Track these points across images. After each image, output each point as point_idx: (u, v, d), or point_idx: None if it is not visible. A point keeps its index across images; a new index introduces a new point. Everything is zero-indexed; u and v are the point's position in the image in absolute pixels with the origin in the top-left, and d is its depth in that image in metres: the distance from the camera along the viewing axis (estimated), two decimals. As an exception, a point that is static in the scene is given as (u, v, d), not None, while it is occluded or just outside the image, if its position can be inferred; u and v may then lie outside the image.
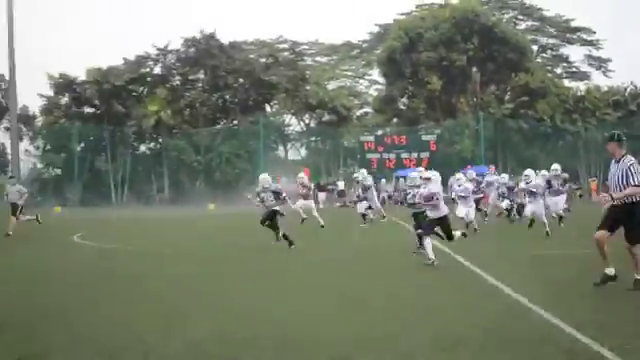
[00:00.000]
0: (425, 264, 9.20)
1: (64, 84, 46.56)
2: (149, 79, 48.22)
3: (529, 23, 55.88)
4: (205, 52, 46.92)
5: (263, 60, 49.90)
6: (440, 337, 5.21)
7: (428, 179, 9.95)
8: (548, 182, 17.41)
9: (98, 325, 6.08)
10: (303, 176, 20.53)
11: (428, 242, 9.50)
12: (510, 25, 52.12)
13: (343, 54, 56.97)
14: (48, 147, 47.34)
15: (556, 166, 18.10)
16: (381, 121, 49.01)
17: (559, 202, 17.84)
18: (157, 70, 48.81)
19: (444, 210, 9.74)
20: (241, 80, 48.52)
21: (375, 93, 55.09)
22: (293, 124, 53.41)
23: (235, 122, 49.34)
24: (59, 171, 45.61)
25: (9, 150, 46.52)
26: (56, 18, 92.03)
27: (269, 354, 4.90)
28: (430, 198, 9.65)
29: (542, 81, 46.76)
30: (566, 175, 19.79)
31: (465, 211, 15.60)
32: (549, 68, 55.65)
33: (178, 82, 48.93)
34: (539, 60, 54.38)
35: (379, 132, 45.36)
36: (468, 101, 49.37)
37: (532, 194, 15.12)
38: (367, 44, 55.67)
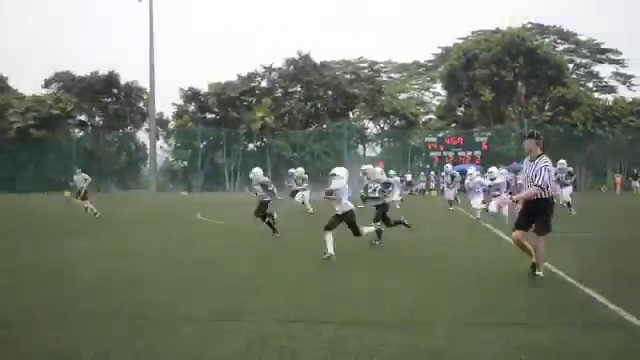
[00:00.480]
0: (322, 258, 8.80)
1: (191, 95, 55.16)
2: (257, 91, 55.18)
3: (566, 46, 60.53)
4: (301, 70, 54.03)
5: (347, 76, 56.78)
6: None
7: (334, 175, 9.76)
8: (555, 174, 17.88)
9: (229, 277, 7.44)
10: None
11: (329, 237, 9.21)
12: (550, 47, 56.32)
13: (412, 71, 62.54)
14: (178, 145, 55.14)
15: (562, 161, 19.52)
16: (442, 125, 53.43)
17: (565, 193, 18.76)
18: (263, 84, 56.16)
19: (347, 206, 9.48)
20: (329, 92, 55.18)
21: (438, 103, 59.92)
22: (370, 127, 59.36)
23: (324, 126, 55.49)
24: (186, 163, 53.58)
25: (148, 147, 54.44)
26: (183, 41, 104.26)
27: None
28: (330, 193, 9.52)
29: (576, 93, 50.91)
30: (570, 169, 20.17)
31: (476, 202, 16.16)
32: (582, 83, 59.62)
33: (280, 93, 55.96)
34: (574, 76, 58.53)
35: (440, 134, 50.05)
36: (514, 109, 53.40)
37: (497, 189, 15.24)
38: (432, 63, 61.26)
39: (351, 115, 57.91)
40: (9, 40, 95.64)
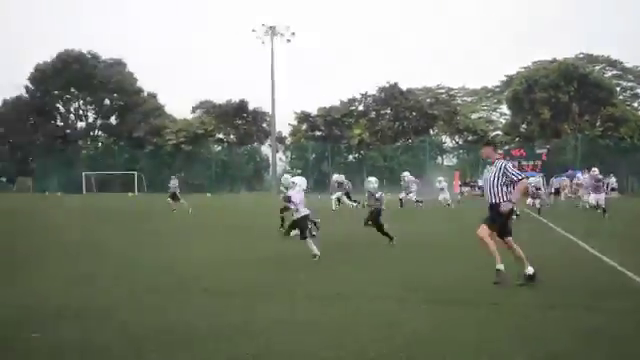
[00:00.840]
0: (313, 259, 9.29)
1: (303, 117, 64.91)
2: (355, 113, 63.60)
3: (614, 72, 65.31)
4: (390, 95, 62.15)
5: (428, 100, 63.72)
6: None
7: (293, 184, 10.24)
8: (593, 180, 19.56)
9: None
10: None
11: (309, 241, 9.65)
12: (600, 73, 60.68)
13: (481, 95, 68.01)
14: (293, 157, 64.43)
15: (595, 169, 20.24)
16: (508, 140, 57.32)
17: (596, 198, 19.44)
18: (360, 107, 64.51)
19: (303, 212, 9.84)
20: (413, 113, 62.27)
21: (504, 121, 64.86)
22: (447, 142, 65.25)
23: (409, 140, 62.04)
24: (299, 171, 58.06)
25: (270, 158, 63.75)
26: (297, 73, 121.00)
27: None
28: (288, 200, 9.94)
29: (623, 112, 55.68)
30: (600, 176, 20.57)
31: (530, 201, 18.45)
32: (628, 103, 63.59)
33: (373, 115, 63.97)
34: (621, 97, 62.34)
35: (506, 147, 51.98)
36: (569, 126, 57.35)
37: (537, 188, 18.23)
38: (498, 88, 66.29)
39: (431, 132, 63.61)
40: (168, 76, 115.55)
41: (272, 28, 58.88)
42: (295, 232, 10.55)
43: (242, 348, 4.78)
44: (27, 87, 69.47)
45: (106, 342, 5.01)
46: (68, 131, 70.99)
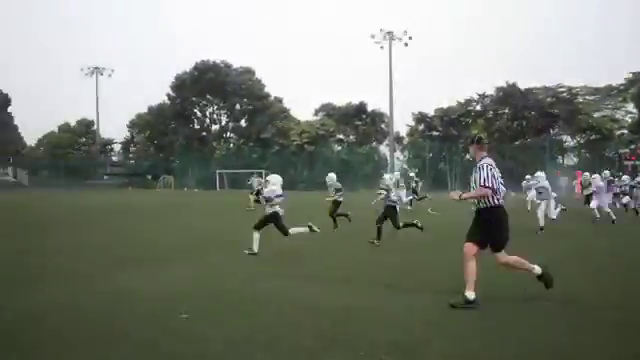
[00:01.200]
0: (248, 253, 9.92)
1: (420, 118, 67.01)
2: (472, 113, 64.78)
3: None
4: (509, 95, 62.33)
5: (548, 99, 62.85)
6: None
7: (267, 182, 10.58)
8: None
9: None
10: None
11: (256, 236, 10.08)
12: None
13: (604, 93, 65.49)
14: (410, 156, 66.49)
15: (606, 172, 21.13)
16: (634, 139, 55.71)
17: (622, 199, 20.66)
18: (478, 107, 65.42)
19: (275, 209, 10.16)
20: (532, 112, 62.33)
21: (629, 120, 62.64)
22: (568, 141, 64.63)
23: (528, 140, 61.90)
24: (417, 170, 59.87)
25: (388, 157, 65.65)
26: (414, 75, 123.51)
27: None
28: (267, 200, 10.28)
29: None
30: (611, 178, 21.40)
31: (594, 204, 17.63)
32: None
33: (491, 114, 64.64)
34: None
35: (632, 146, 52.50)
36: None
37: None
38: (623, 86, 63.97)
39: (551, 131, 63.25)
40: (293, 82, 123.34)
41: (390, 33, 61.52)
42: (298, 230, 10.69)
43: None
44: (169, 94, 77.50)
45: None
46: (204, 133, 78.37)
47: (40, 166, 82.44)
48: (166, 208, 26.45)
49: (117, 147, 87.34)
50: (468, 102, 65.92)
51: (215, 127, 79.45)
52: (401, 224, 12.31)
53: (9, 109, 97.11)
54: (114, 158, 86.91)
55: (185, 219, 19.70)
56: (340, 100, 78.46)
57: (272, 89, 78.31)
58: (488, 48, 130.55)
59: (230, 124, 78.84)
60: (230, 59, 77.57)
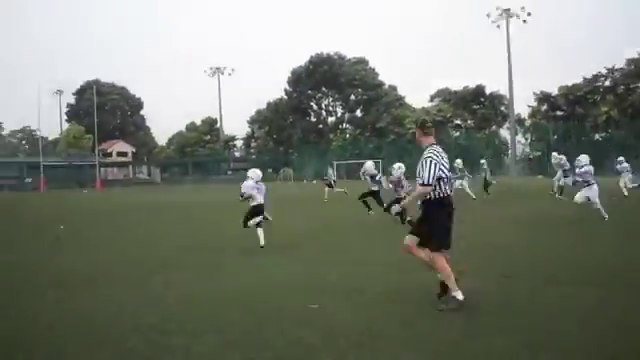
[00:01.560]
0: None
1: (543, 97, 63.83)
2: (601, 89, 60.84)
3: None
4: None
5: None
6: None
7: (248, 177, 10.81)
8: None
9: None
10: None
11: (260, 231, 10.52)
12: None
13: None
14: (533, 138, 63.43)
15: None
16: None
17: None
18: (607, 83, 61.22)
19: (258, 200, 10.67)
20: None
21: None
22: None
23: None
24: (539, 153, 60.48)
25: (509, 141, 63.95)
26: (532, 54, 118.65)
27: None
28: (243, 196, 10.68)
29: None
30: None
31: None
32: None
33: (622, 89, 59.98)
34: None
35: None
36: None
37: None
38: None
39: None
40: (405, 68, 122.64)
41: (507, 11, 59.10)
42: (254, 220, 10.83)
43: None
44: (285, 89, 79.98)
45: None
46: (320, 126, 80.00)
47: (170, 164, 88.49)
48: (292, 200, 27.38)
49: (239, 143, 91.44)
50: (595, 78, 61.70)
51: (331, 119, 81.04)
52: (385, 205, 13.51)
53: (142, 112, 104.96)
54: (236, 154, 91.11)
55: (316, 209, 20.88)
56: (457, 84, 77.42)
57: (386, 77, 78.81)
58: (614, 17, 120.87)
59: (346, 115, 79.92)
60: (343, 50, 78.65)
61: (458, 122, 70.70)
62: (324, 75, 75.41)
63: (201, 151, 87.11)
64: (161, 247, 11.86)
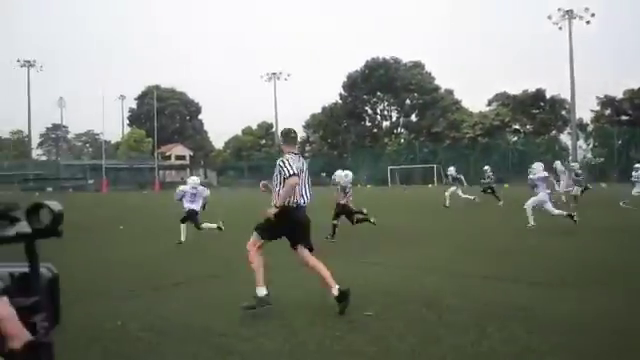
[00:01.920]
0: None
1: (607, 101, 62.42)
2: None
3: None
4: None
5: None
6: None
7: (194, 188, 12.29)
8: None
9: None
10: None
11: (183, 226, 11.85)
12: None
13: None
14: (595, 144, 61.41)
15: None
16: None
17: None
18: None
19: (192, 206, 12.11)
20: None
21: None
22: None
23: None
24: (602, 160, 59.60)
25: (570, 147, 61.06)
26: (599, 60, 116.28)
27: None
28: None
29: None
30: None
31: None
32: None
33: None
34: None
35: None
36: None
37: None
38: None
39: None
40: (462, 73, 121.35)
41: (569, 12, 57.42)
42: (209, 225, 12.52)
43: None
44: (340, 94, 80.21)
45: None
46: (375, 130, 79.75)
47: (226, 167, 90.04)
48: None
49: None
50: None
51: (386, 123, 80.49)
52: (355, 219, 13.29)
53: (200, 116, 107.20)
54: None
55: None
56: (515, 88, 75.80)
57: (442, 81, 77.92)
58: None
59: (401, 119, 79.37)
60: (399, 54, 78.29)
61: (517, 127, 69.20)
62: (380, 79, 75.17)
63: (257, 155, 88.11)
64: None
